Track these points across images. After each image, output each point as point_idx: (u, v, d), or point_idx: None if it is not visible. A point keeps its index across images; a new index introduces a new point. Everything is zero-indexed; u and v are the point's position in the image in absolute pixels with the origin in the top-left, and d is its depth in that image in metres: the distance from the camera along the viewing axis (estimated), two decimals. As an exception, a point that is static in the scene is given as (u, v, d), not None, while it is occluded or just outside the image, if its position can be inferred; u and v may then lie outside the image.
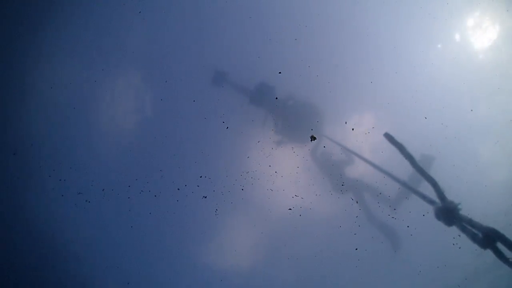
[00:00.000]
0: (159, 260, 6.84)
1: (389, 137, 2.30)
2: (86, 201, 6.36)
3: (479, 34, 6.01)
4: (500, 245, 1.61)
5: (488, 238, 1.61)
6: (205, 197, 6.19)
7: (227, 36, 6.50)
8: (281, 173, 6.38)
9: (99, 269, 6.64)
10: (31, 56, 6.01)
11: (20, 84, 6.00)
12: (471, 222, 1.77)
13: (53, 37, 6.12)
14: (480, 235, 1.68)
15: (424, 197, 2.17)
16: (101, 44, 6.33)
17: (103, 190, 6.39)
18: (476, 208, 6.20)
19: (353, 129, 6.26)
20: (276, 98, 6.26)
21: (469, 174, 6.18)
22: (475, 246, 1.76)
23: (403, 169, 6.34)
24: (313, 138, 6.14)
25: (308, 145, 6.23)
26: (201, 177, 6.35)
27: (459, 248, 6.02)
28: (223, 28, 6.49)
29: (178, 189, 6.32)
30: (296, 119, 6.06)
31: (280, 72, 6.33)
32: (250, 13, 6.36)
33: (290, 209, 6.52)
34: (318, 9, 6.35)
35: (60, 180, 6.24)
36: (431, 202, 2.09)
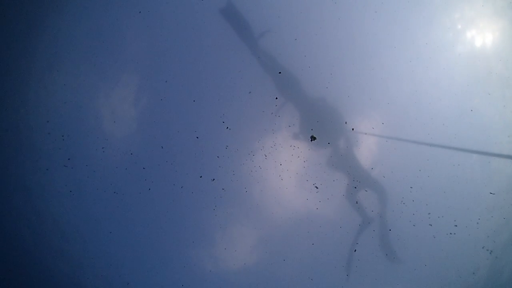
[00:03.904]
0: (157, 259, 6.84)
1: None
2: (83, 200, 6.37)
3: (479, 33, 6.04)
4: None
5: None
6: (213, 179, 6.20)
7: (227, 35, 6.50)
8: (287, 171, 6.39)
9: (97, 269, 6.64)
10: (29, 56, 6.03)
11: (19, 86, 6.02)
12: None
13: (51, 37, 6.13)
14: None
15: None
16: (101, 44, 6.34)
17: (100, 189, 6.39)
18: (476, 207, 6.23)
19: (353, 129, 6.27)
20: (276, 98, 6.29)
21: (469, 174, 6.19)
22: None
23: (403, 168, 6.36)
24: (313, 138, 6.16)
25: (322, 147, 6.27)
26: (201, 177, 6.36)
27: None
28: (223, 27, 6.49)
29: (182, 186, 6.34)
30: (321, 120, 6.12)
31: (280, 72, 6.35)
32: (250, 13, 6.37)
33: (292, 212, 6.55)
34: (317, 9, 6.36)
35: (57, 179, 6.24)
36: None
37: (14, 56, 5.98)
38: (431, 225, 6.12)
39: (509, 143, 6.08)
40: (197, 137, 6.11)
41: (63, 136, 6.13)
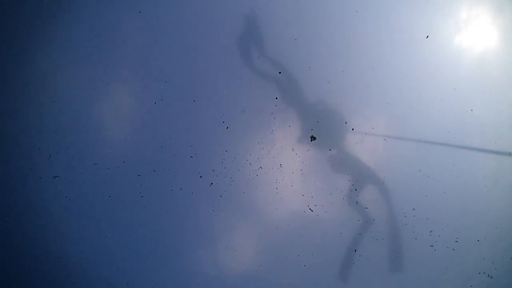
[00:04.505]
0: (157, 260, 6.84)
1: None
2: (83, 202, 6.36)
3: (480, 33, 6.03)
4: None
5: None
6: (212, 184, 6.19)
7: (226, 35, 6.50)
8: (285, 174, 6.38)
9: (96, 270, 6.64)
10: (27, 56, 6.03)
11: (17, 86, 6.02)
12: None
13: (52, 36, 6.13)
14: None
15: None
16: (100, 45, 6.33)
17: (97, 192, 6.38)
18: (476, 208, 6.22)
19: (353, 129, 6.26)
20: (276, 98, 6.28)
21: (469, 174, 6.18)
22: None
23: (403, 168, 6.34)
24: (313, 138, 6.15)
25: (322, 147, 6.27)
26: (201, 177, 6.35)
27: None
28: (223, 27, 6.49)
29: (181, 188, 6.33)
30: (321, 120, 6.13)
31: (280, 72, 6.35)
32: (250, 13, 6.37)
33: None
34: (317, 9, 6.36)
35: (56, 180, 6.23)
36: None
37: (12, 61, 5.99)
38: (431, 234, 6.11)
39: (510, 143, 6.06)
40: (191, 156, 6.15)
41: (57, 151, 6.14)
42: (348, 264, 6.34)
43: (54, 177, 5.87)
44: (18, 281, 6.39)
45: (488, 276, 6.01)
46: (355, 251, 6.32)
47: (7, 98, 6.02)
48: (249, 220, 6.73)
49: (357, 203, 6.29)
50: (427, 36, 5.76)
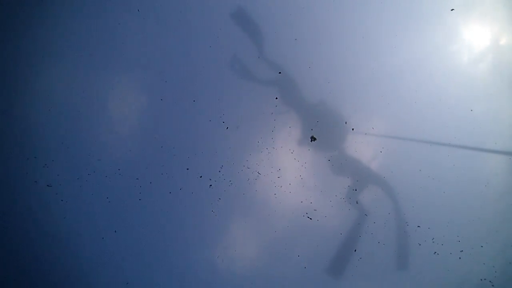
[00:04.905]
0: (158, 260, 6.84)
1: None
2: (82, 202, 6.35)
3: (481, 32, 6.04)
4: None
5: None
6: (211, 186, 6.19)
7: (226, 35, 6.49)
8: (285, 175, 6.38)
9: (96, 268, 6.64)
10: (24, 56, 6.02)
11: (15, 87, 6.01)
12: None
13: (49, 37, 6.12)
14: None
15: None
16: (100, 44, 6.32)
17: (96, 193, 6.37)
18: (476, 209, 6.23)
19: (353, 129, 6.26)
20: (276, 98, 6.28)
21: (469, 174, 6.19)
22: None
23: (403, 166, 6.34)
24: (313, 138, 6.15)
25: (322, 148, 6.28)
26: (201, 177, 6.35)
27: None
28: (223, 27, 6.48)
29: (181, 188, 6.33)
30: (321, 121, 6.14)
31: (280, 72, 6.35)
32: (249, 13, 6.36)
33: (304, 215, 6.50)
34: (317, 8, 6.35)
35: (54, 181, 6.23)
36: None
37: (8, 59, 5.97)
38: (433, 241, 6.11)
39: (510, 143, 6.07)
40: (188, 162, 6.15)
41: (55, 155, 6.12)
42: (348, 265, 6.34)
43: (48, 186, 5.86)
44: (18, 281, 6.38)
45: (490, 282, 6.01)
46: (355, 251, 6.32)
47: (5, 99, 6.01)
48: (248, 222, 6.73)
49: (357, 203, 6.29)
50: (452, 9, 5.61)
